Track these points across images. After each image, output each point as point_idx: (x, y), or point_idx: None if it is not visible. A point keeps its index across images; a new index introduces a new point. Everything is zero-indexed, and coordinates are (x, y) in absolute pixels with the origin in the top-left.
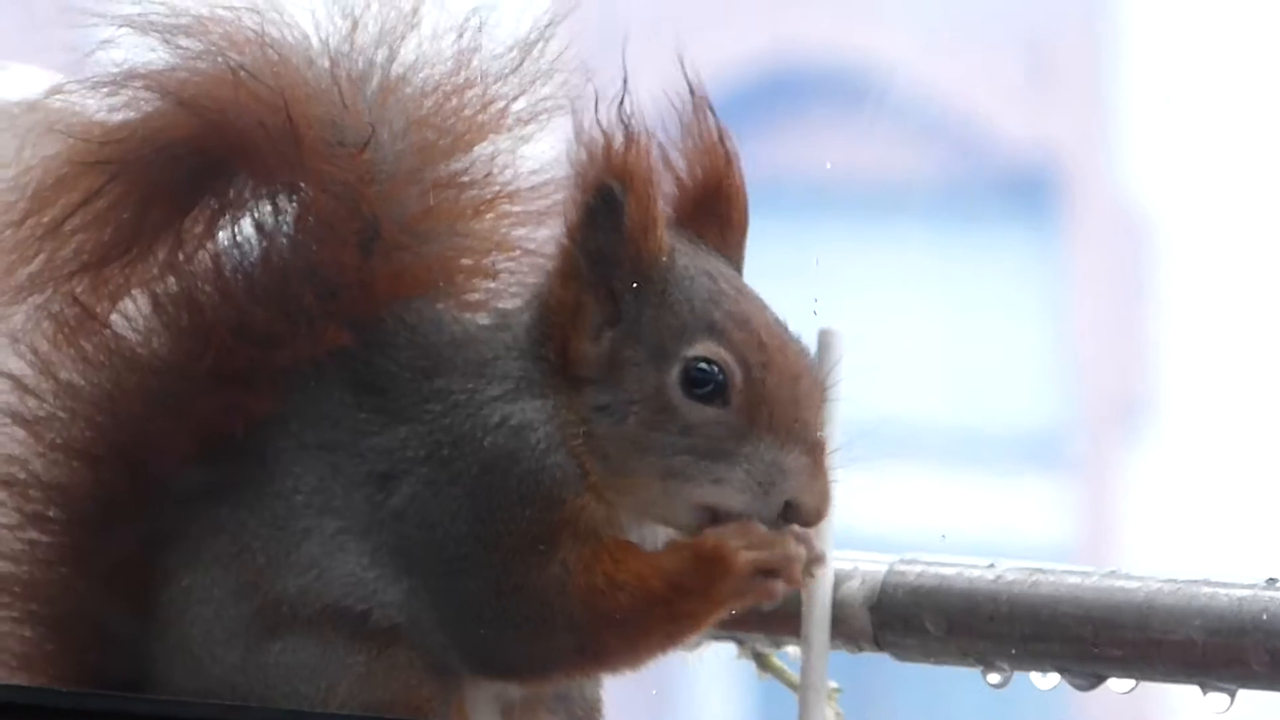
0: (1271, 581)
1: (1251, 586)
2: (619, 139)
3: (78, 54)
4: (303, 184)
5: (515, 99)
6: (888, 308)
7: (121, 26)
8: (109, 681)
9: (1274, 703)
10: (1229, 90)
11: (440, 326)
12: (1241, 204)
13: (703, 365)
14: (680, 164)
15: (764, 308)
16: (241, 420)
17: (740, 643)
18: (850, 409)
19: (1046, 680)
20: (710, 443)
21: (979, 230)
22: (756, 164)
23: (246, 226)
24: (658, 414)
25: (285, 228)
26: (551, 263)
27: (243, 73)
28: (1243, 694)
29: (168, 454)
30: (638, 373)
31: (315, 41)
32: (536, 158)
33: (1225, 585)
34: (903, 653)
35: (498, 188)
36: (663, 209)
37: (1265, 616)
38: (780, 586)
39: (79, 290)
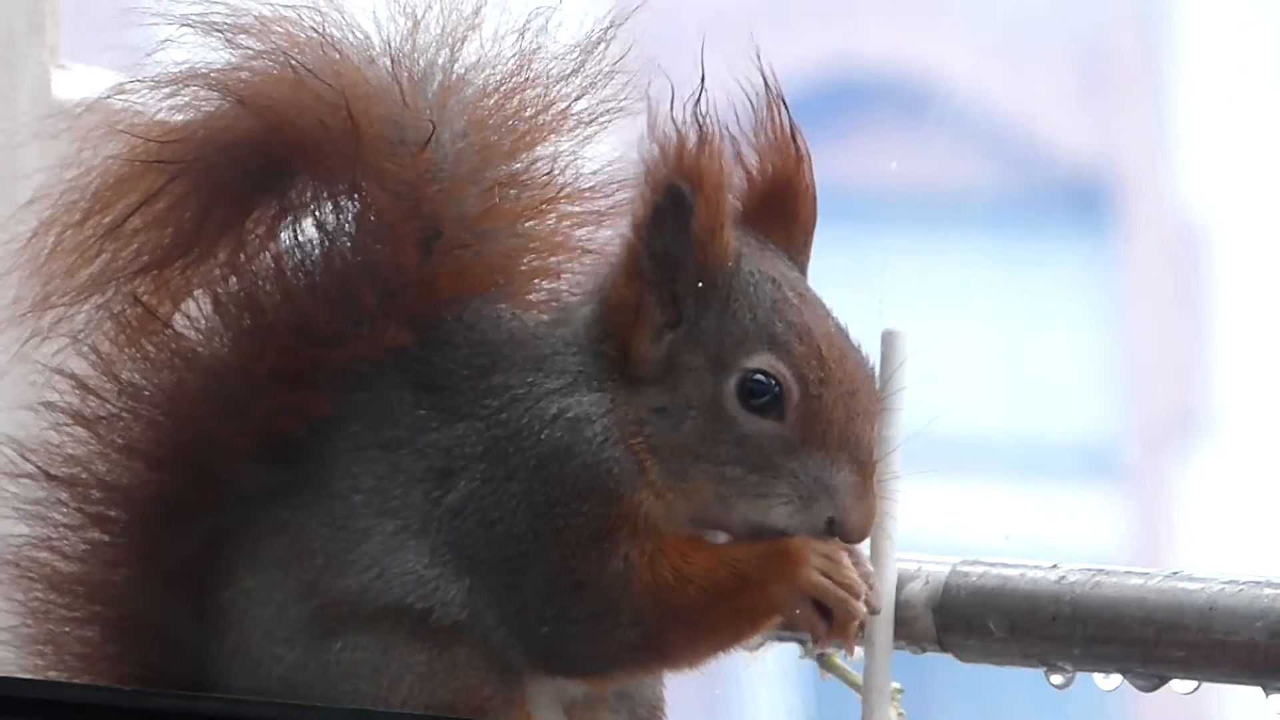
0: None
1: None
2: (692, 139)
3: (139, 54)
4: (364, 183)
5: (576, 100)
6: (947, 315)
7: (182, 26)
8: (170, 681)
9: None
10: None
11: (498, 324)
12: None
13: (760, 377)
14: (751, 159)
15: (826, 315)
16: (302, 420)
17: (803, 643)
18: (910, 415)
19: (1109, 681)
20: (761, 455)
21: (1037, 240)
22: (816, 169)
23: (308, 226)
24: (713, 422)
25: (346, 227)
26: (615, 258)
27: (304, 72)
28: None
29: (229, 454)
30: (696, 378)
31: (377, 41)
32: (598, 158)
33: None
34: (966, 654)
35: (558, 188)
36: (731, 207)
37: None
38: (822, 628)
39: (141, 290)
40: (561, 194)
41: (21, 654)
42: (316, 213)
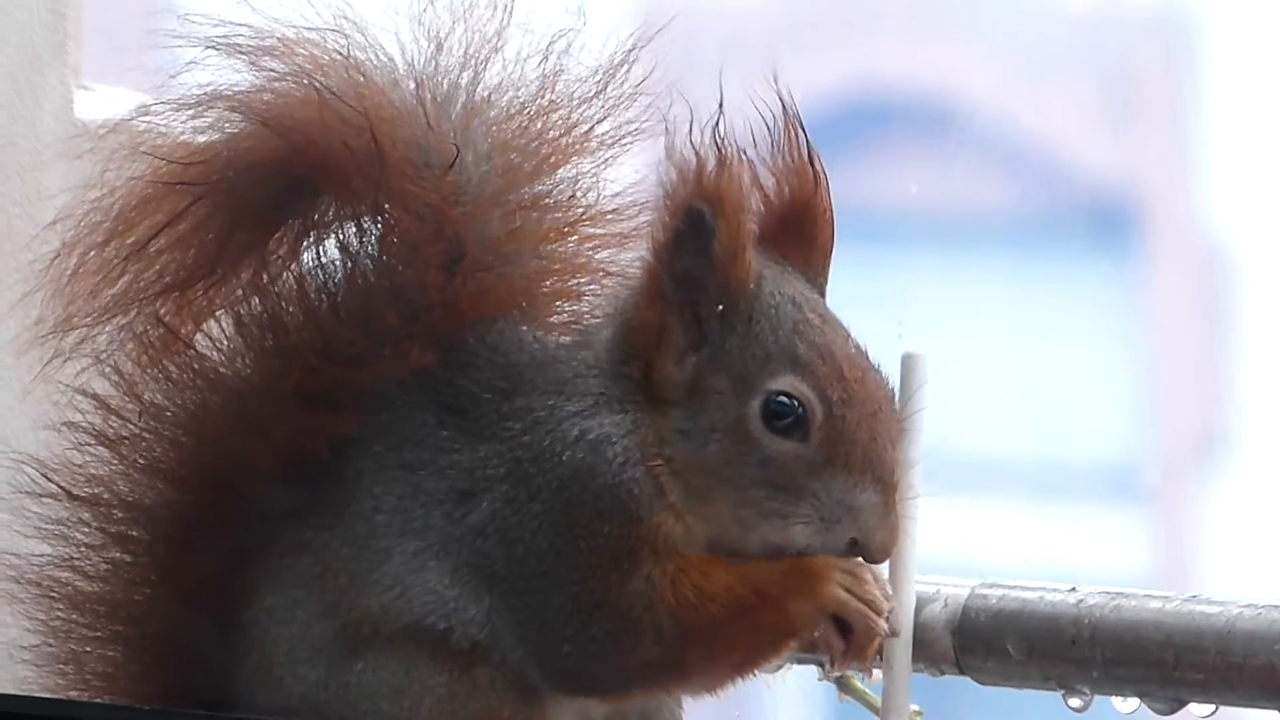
0: None
1: None
2: (711, 162)
3: (163, 75)
4: (387, 205)
5: (599, 122)
6: (966, 336)
7: (207, 48)
8: (192, 701)
9: None
10: None
11: (521, 347)
12: None
13: (783, 399)
14: (769, 182)
15: (847, 337)
16: (325, 440)
17: (822, 665)
18: (930, 436)
19: (1127, 704)
20: (785, 476)
21: (1058, 260)
22: (835, 191)
23: (330, 248)
24: (737, 444)
25: (369, 249)
26: (635, 281)
27: (328, 94)
28: None
29: (251, 474)
30: (719, 400)
31: (400, 64)
32: (619, 180)
33: None
34: (984, 676)
35: (581, 210)
36: (751, 230)
37: None
38: (840, 647)
39: (163, 311)
40: (583, 216)
41: (43, 673)
42: (339, 234)
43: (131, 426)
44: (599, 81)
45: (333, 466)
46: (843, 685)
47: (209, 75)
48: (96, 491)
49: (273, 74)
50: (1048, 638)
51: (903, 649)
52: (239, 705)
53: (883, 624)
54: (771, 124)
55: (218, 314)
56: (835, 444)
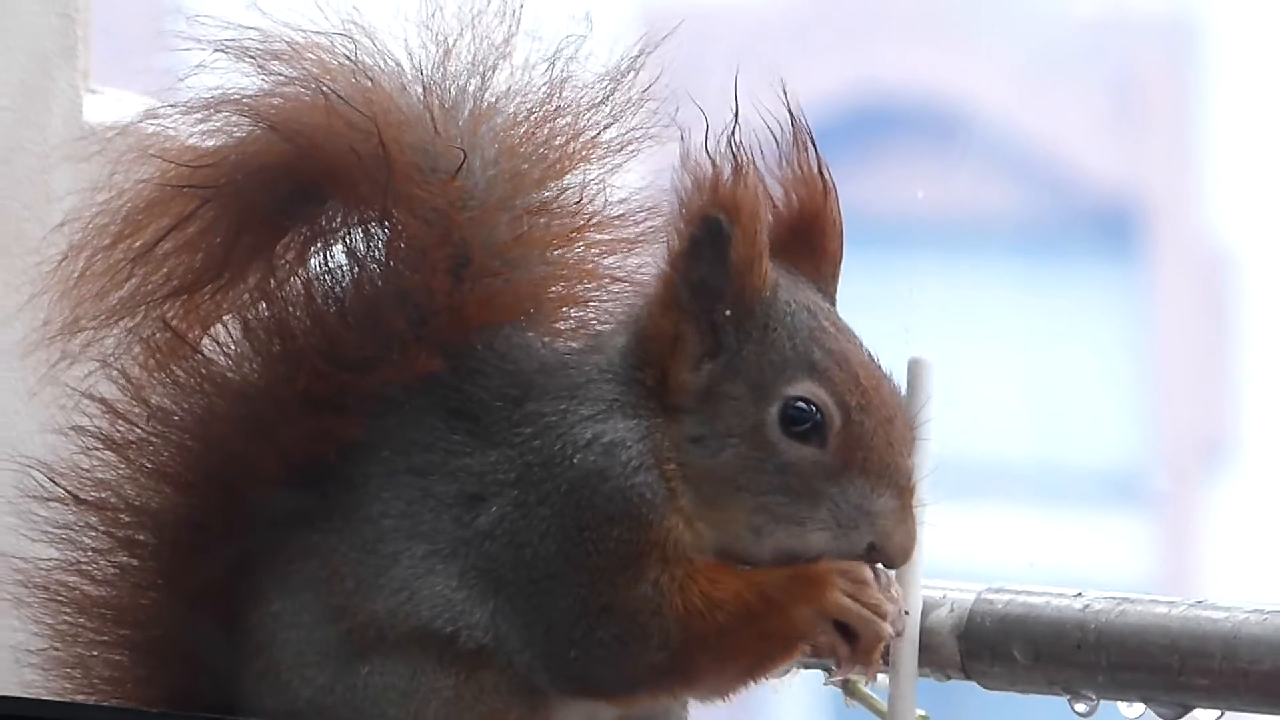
0: None
1: None
2: (727, 170)
3: (171, 79)
4: (394, 210)
5: (605, 128)
6: (974, 341)
7: (215, 52)
8: (198, 705)
9: None
10: None
11: (530, 353)
12: None
13: (802, 404)
14: (778, 192)
15: (860, 345)
16: (333, 445)
17: (828, 670)
18: (936, 441)
19: (1132, 709)
20: (802, 482)
21: (1065, 266)
22: (841, 195)
23: (338, 253)
24: (754, 450)
25: (376, 254)
26: (650, 288)
27: (336, 99)
28: None
29: (258, 478)
30: (736, 407)
31: (408, 69)
32: (626, 186)
33: None
34: (990, 681)
35: (587, 216)
36: (766, 238)
37: None
38: (845, 651)
39: (170, 315)
40: (590, 222)
41: (50, 677)
42: (347, 239)
43: (138, 430)
44: (605, 88)
45: (340, 471)
46: (849, 690)
47: (217, 79)
48: (103, 495)
49: (281, 78)
50: (1053, 643)
51: (908, 654)
52: (246, 709)
53: (887, 628)
54: (780, 132)
55: (225, 318)
56: (853, 449)
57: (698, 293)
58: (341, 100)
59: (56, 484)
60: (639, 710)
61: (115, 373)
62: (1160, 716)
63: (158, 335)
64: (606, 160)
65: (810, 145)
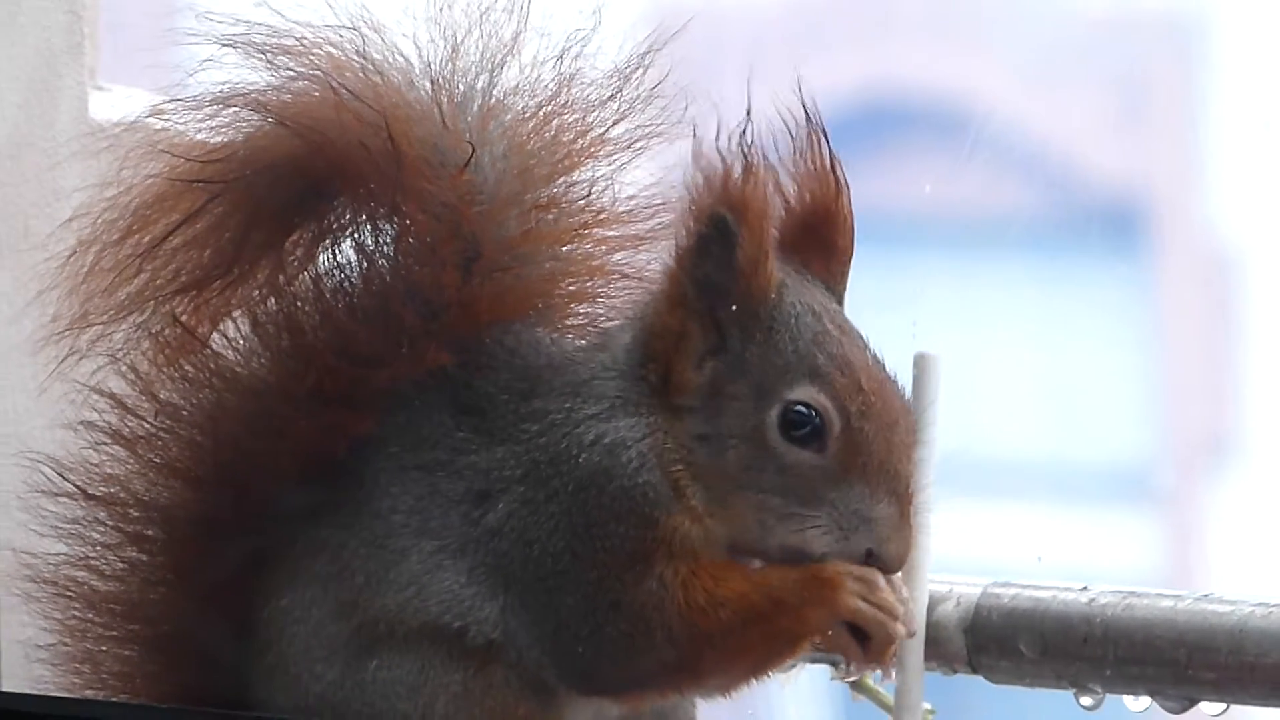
0: None
1: None
2: (737, 169)
3: (179, 74)
4: (404, 205)
5: (614, 125)
6: (981, 339)
7: (224, 47)
8: (208, 700)
9: None
10: None
11: (538, 349)
12: None
13: (801, 408)
14: (790, 188)
15: (865, 347)
16: (342, 441)
17: (836, 664)
18: (944, 437)
19: (1139, 703)
20: (802, 485)
21: (1071, 263)
22: (854, 192)
23: (347, 248)
24: (755, 451)
25: (386, 249)
26: (657, 285)
27: (345, 94)
28: None
29: (268, 474)
30: (738, 408)
31: (417, 64)
32: (634, 182)
33: None
34: (997, 675)
35: (596, 212)
36: (774, 239)
37: None
38: (857, 652)
39: (180, 310)
40: (599, 218)
41: (59, 672)
42: (356, 234)
43: (148, 425)
44: (614, 84)
45: (350, 467)
46: (856, 685)
47: (226, 74)
48: (113, 491)
49: (290, 73)
50: (1060, 637)
51: (916, 648)
52: (255, 704)
53: (899, 628)
54: (793, 129)
55: (234, 314)
56: (852, 455)
57: (703, 291)
58: (351, 95)
59: (66, 479)
60: (649, 707)
61: (124, 368)
62: (1166, 710)
63: (167, 330)
64: (615, 156)
65: (823, 142)
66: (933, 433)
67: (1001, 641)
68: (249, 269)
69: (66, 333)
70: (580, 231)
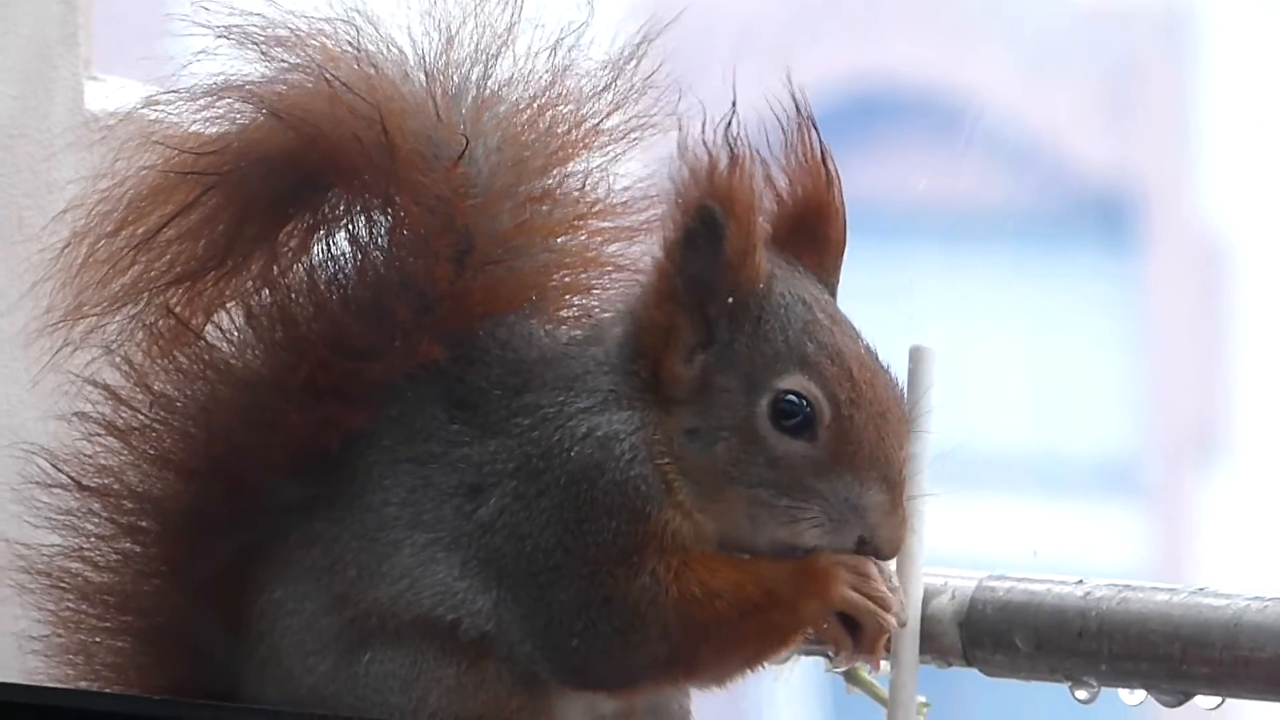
0: None
1: None
2: (723, 161)
3: (174, 65)
4: (397, 197)
5: (608, 116)
6: (972, 330)
7: (218, 38)
8: (201, 692)
9: None
10: None
11: (531, 342)
12: None
13: (792, 398)
14: (781, 181)
15: (856, 338)
16: (336, 434)
17: (830, 656)
18: (936, 431)
19: (1134, 697)
20: (793, 476)
21: (1062, 255)
22: (845, 184)
23: (341, 240)
24: (746, 443)
25: (379, 241)
26: (645, 279)
27: (339, 86)
28: None
29: (261, 466)
30: (728, 400)
31: (411, 56)
32: (629, 174)
33: None
34: (992, 669)
35: (590, 204)
36: (762, 229)
37: None
38: (850, 644)
39: (174, 302)
40: (593, 210)
41: (53, 663)
42: (350, 226)
43: (142, 417)
44: (608, 76)
45: (342, 460)
46: (850, 677)
47: (220, 65)
48: (106, 482)
49: (284, 65)
50: (1055, 631)
51: (910, 641)
52: (248, 697)
53: (891, 620)
54: (784, 121)
55: (228, 306)
56: (843, 444)
57: (692, 284)
58: (345, 87)
59: (59, 470)
60: (642, 701)
61: (118, 359)
62: (1162, 704)
63: (161, 322)
64: (609, 148)
65: (814, 133)
66: (927, 425)
67: (996, 635)
68: (243, 261)
69: (60, 324)
70: (574, 223)
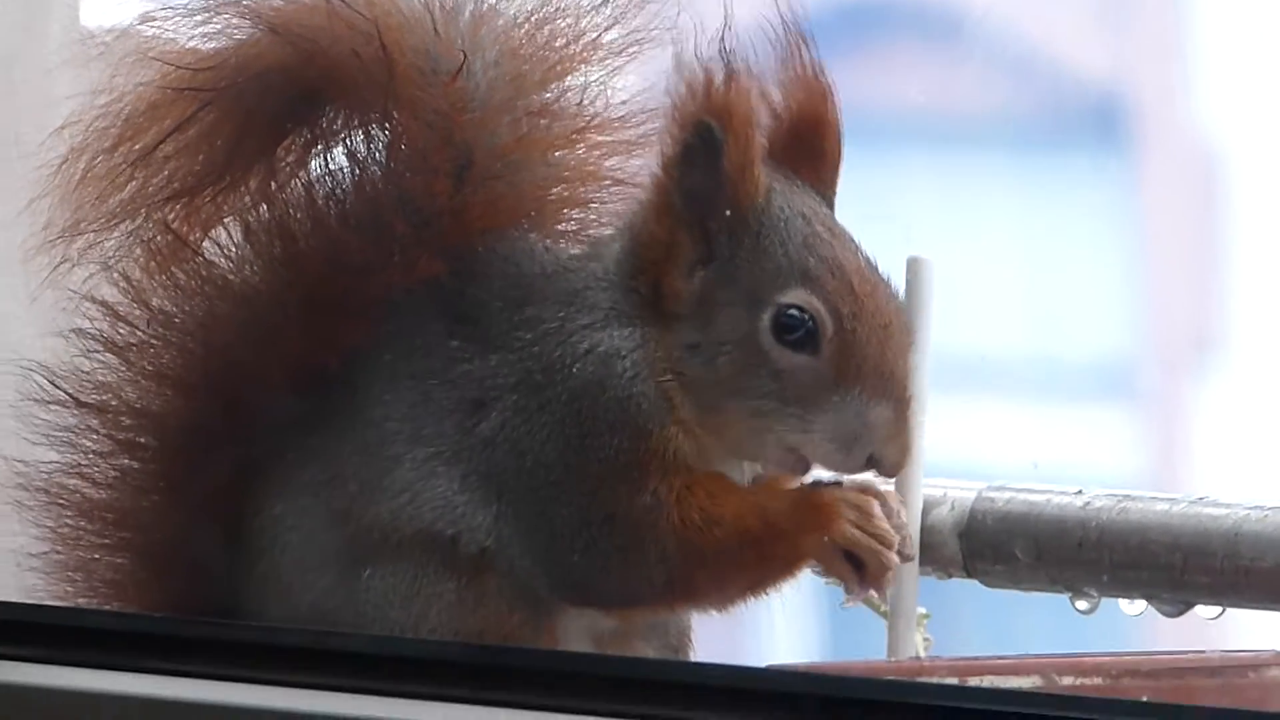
0: None
1: None
2: (720, 76)
3: None
4: (395, 112)
5: (606, 30)
6: (964, 238)
7: None
8: (200, 609)
9: None
10: None
11: (532, 257)
12: None
13: (794, 312)
14: (776, 96)
15: (856, 250)
16: (334, 350)
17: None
18: (933, 339)
19: (1134, 607)
20: (798, 390)
21: (1056, 162)
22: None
23: (339, 155)
24: (748, 357)
25: (377, 156)
26: (645, 194)
27: (337, 1)
28: None
29: (260, 382)
30: (729, 314)
31: None
32: (627, 88)
33: None
34: (992, 580)
35: (589, 118)
36: (760, 144)
37: None
38: (854, 579)
39: (171, 217)
40: (591, 124)
41: (52, 581)
42: (348, 141)
43: (140, 333)
44: None
45: (342, 375)
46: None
47: None
48: (104, 398)
49: None
50: (1055, 541)
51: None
52: (247, 613)
53: (894, 557)
54: (778, 35)
55: (226, 221)
56: (846, 357)
57: (691, 199)
58: (343, 3)
59: (57, 387)
60: (642, 620)
61: (116, 275)
62: (1162, 614)
63: (158, 238)
64: (607, 62)
65: (807, 47)
66: (926, 338)
67: (996, 546)
68: (241, 176)
69: (58, 240)
70: (573, 138)
